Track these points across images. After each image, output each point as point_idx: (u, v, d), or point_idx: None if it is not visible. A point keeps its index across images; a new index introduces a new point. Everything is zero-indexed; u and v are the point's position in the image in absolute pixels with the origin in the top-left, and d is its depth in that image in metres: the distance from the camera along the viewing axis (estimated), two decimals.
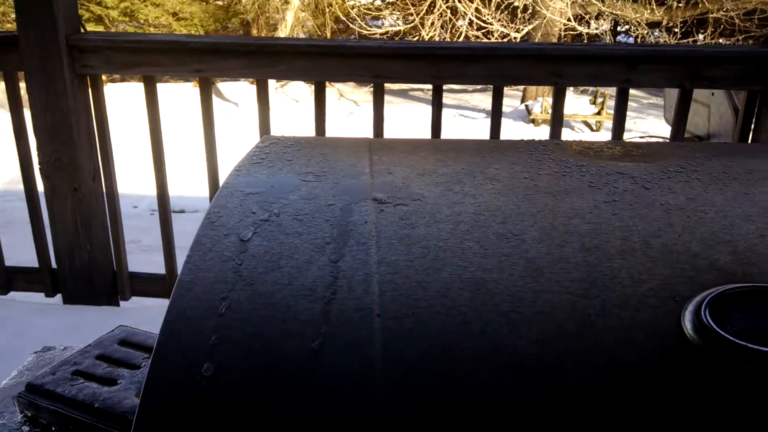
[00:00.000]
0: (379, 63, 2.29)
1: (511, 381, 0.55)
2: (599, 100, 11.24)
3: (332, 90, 15.94)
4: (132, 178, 5.79)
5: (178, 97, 11.66)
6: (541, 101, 11.43)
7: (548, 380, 0.55)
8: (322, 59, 2.33)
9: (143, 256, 4.53)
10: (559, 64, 2.21)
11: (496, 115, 2.33)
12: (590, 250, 0.69)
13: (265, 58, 2.34)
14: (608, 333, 0.58)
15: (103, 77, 2.58)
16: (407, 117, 10.80)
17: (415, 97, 14.76)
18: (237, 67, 2.39)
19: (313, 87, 2.40)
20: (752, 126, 2.27)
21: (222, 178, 2.60)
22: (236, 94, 13.17)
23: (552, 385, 0.54)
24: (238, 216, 0.75)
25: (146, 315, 2.46)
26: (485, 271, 0.66)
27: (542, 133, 11.28)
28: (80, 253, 2.59)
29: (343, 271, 0.65)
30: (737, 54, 2.16)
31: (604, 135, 10.85)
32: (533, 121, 11.65)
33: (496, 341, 0.58)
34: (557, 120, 2.33)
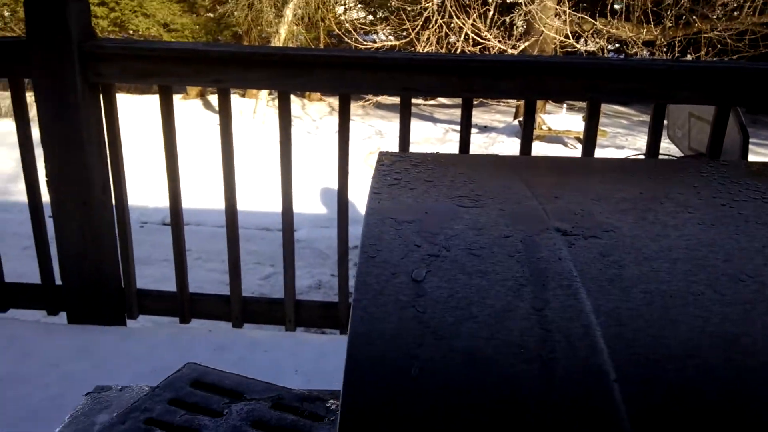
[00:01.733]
0: (408, 76, 2.21)
1: None
2: None
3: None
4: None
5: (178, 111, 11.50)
6: (536, 118, 11.43)
7: None
8: (348, 71, 2.24)
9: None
10: (595, 79, 2.14)
11: (528, 129, 2.25)
12: None
13: (288, 69, 2.25)
14: None
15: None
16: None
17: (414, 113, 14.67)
18: (259, 78, 2.29)
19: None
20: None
21: (240, 191, 2.48)
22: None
23: None
24: (400, 250, 0.63)
25: (159, 337, 2.34)
26: (732, 323, 0.54)
27: (537, 148, 11.28)
28: (88, 269, 2.46)
29: (554, 322, 0.53)
30: None
31: (599, 151, 10.84)
32: None
33: None
34: (590, 138, 2.25)
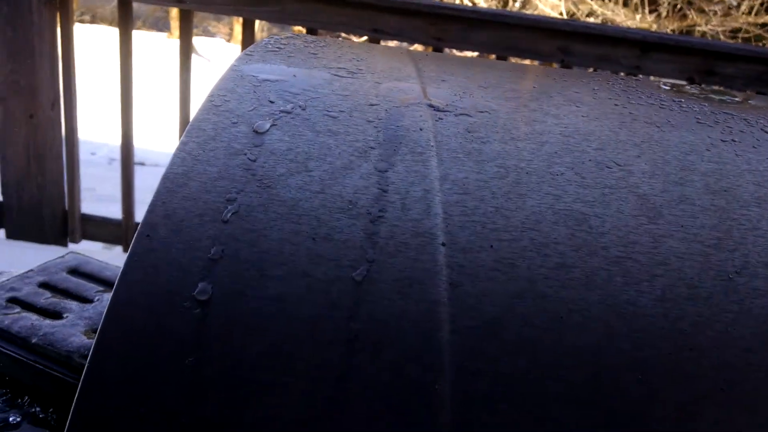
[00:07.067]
0: (378, 16, 2.13)
1: (628, 350, 0.42)
2: None
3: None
4: (92, 124, 5.49)
5: (151, 48, 11.22)
6: None
7: (679, 353, 0.42)
8: (317, 5, 2.15)
9: (97, 205, 4.27)
10: (568, 40, 2.08)
11: None
12: (718, 193, 0.55)
13: None
14: (755, 297, 0.46)
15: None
16: None
17: None
18: (223, 2, 2.19)
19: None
20: None
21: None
22: (210, 50, 12.78)
23: (684, 359, 0.42)
24: (250, 103, 0.58)
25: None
26: (585, 203, 0.51)
27: None
28: (30, 186, 2.37)
29: (393, 184, 0.50)
30: (754, 54, 2.06)
31: None
32: None
33: (607, 294, 0.44)
34: None
